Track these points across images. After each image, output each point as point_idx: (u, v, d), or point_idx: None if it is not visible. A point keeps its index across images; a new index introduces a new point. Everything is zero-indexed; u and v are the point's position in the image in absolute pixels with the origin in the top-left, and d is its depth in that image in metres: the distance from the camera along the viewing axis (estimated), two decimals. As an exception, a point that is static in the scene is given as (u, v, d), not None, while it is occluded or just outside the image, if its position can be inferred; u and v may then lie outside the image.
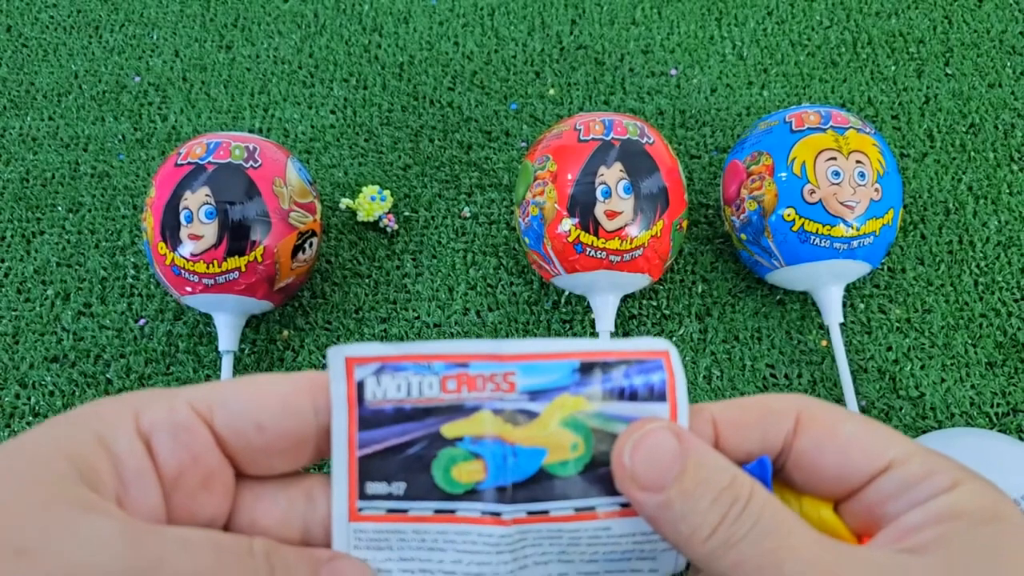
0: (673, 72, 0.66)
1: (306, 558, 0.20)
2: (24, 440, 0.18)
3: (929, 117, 0.63)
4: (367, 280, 0.57)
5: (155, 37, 0.70)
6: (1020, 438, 0.49)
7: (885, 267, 0.56)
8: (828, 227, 0.48)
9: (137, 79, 0.68)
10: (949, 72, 0.65)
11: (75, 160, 0.63)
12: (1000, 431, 0.49)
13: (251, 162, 0.49)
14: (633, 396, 0.21)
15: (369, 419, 0.21)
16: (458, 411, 0.21)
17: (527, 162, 0.52)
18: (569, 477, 0.21)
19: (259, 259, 0.48)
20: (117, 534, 0.17)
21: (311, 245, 0.51)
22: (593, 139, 0.49)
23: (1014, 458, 0.44)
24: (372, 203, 0.57)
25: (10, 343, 0.54)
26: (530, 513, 0.21)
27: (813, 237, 0.48)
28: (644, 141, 0.49)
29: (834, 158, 0.48)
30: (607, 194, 0.48)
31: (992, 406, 0.51)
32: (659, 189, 0.49)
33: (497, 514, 0.21)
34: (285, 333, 0.54)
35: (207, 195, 0.47)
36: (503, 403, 0.21)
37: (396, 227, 0.58)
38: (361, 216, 0.57)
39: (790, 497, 0.22)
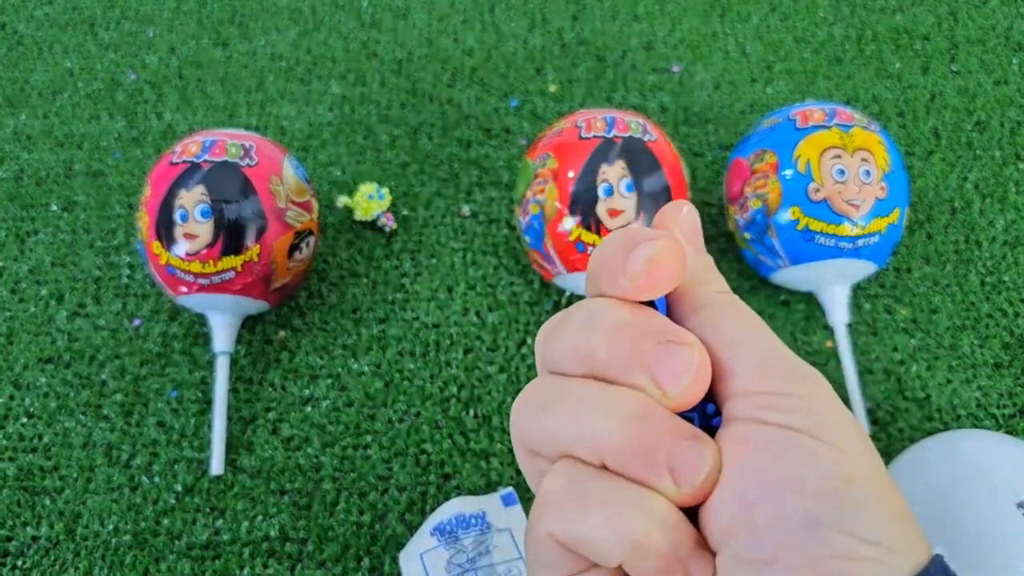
0: (676, 68, 0.65)
1: None
2: None
3: (935, 115, 0.62)
4: (365, 280, 0.56)
5: (151, 34, 0.69)
6: (1028, 440, 0.49)
7: (891, 267, 0.55)
8: (833, 226, 0.47)
9: (132, 76, 0.67)
10: (955, 69, 0.65)
11: (70, 158, 0.62)
12: (1007, 433, 0.49)
13: (247, 160, 0.48)
14: None
15: None
16: None
17: (528, 160, 0.51)
18: None
19: (255, 258, 0.47)
20: None
21: (308, 244, 0.51)
22: (595, 136, 0.48)
23: (1022, 460, 0.43)
24: (370, 201, 0.56)
25: (4, 344, 0.54)
26: None
27: (818, 236, 0.47)
28: (646, 138, 0.49)
29: (839, 156, 0.47)
30: (609, 192, 0.47)
31: (999, 407, 0.50)
32: (662, 187, 0.48)
33: None
34: (282, 334, 0.54)
35: (202, 193, 0.46)
36: None
37: (394, 226, 0.57)
38: (358, 215, 0.56)
39: None
